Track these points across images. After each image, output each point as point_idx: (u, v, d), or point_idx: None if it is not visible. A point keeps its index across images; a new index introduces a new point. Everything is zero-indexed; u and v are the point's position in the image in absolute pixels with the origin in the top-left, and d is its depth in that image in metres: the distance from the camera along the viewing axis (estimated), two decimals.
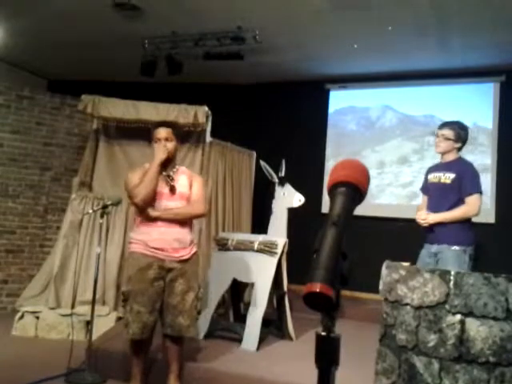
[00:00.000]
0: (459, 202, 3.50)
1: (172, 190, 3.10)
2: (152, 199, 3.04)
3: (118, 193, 4.54)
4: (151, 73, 5.88)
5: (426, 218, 3.50)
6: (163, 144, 3.10)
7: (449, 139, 3.58)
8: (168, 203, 3.07)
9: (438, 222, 3.52)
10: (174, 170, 3.19)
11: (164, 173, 3.11)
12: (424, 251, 3.68)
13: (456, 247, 3.45)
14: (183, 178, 3.19)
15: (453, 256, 3.45)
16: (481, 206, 3.51)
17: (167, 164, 3.12)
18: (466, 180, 3.50)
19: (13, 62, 6.66)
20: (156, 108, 4.94)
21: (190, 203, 3.15)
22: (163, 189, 3.08)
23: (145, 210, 3.04)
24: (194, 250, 3.19)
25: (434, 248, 3.53)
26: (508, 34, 4.90)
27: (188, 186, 3.18)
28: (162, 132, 3.14)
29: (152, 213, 3.03)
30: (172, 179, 3.12)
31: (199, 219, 4.62)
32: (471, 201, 3.48)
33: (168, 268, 3.05)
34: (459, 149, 3.63)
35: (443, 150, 3.63)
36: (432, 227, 3.61)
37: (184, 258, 3.09)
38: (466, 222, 3.50)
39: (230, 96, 6.75)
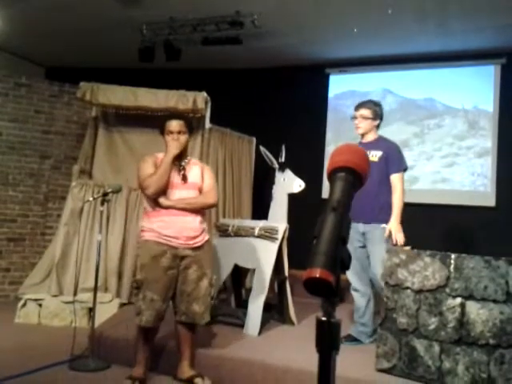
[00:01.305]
0: (386, 178, 3.58)
1: (184, 179, 3.12)
2: (163, 191, 3.06)
3: (118, 180, 4.55)
4: (149, 59, 5.84)
5: (399, 234, 3.48)
6: (176, 138, 3.11)
7: (367, 118, 3.68)
8: (180, 192, 3.10)
9: (366, 199, 3.46)
10: (186, 160, 3.22)
11: (176, 162, 3.14)
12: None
13: (384, 225, 3.55)
14: (195, 169, 3.23)
15: (381, 234, 3.54)
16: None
17: (180, 156, 3.15)
18: (393, 158, 3.60)
19: (9, 49, 6.61)
20: (155, 94, 4.92)
21: (202, 193, 3.18)
22: (175, 178, 3.11)
23: (157, 200, 3.06)
24: (207, 237, 3.21)
25: (361, 227, 3.57)
26: (508, 16, 4.85)
27: (200, 176, 3.21)
28: (175, 125, 3.14)
29: (165, 202, 3.05)
30: (184, 169, 3.16)
31: None
32: (398, 180, 3.59)
33: (181, 256, 3.07)
34: (377, 127, 3.74)
35: (364, 130, 3.71)
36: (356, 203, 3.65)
37: (197, 245, 3.12)
38: (390, 199, 3.59)
39: (229, 81, 6.71)
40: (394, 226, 3.48)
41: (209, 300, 3.16)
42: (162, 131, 3.18)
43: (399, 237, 3.45)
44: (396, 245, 3.44)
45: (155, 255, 3.02)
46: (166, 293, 3.03)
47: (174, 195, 3.08)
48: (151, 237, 3.06)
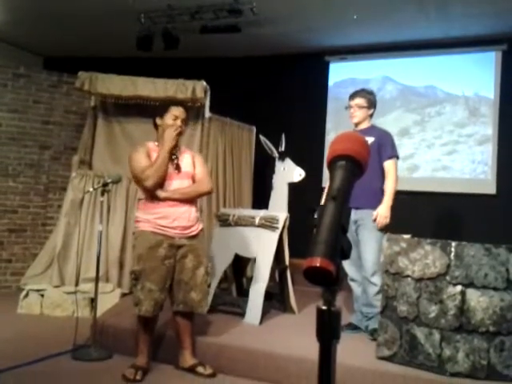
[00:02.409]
0: (378, 165, 3.58)
1: (178, 168, 3.13)
2: (162, 182, 3.06)
3: (118, 170, 4.53)
4: (148, 47, 5.80)
5: (385, 218, 3.50)
6: (180, 124, 3.13)
7: (363, 107, 3.69)
8: (175, 183, 3.11)
9: (358, 186, 3.52)
10: (178, 149, 3.22)
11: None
12: None
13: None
14: (187, 157, 3.24)
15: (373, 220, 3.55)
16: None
17: (173, 146, 3.14)
18: (386, 145, 3.62)
19: (7, 39, 6.56)
20: (154, 84, 4.89)
21: (196, 182, 3.19)
22: (170, 168, 3.11)
23: (153, 192, 3.06)
24: (201, 226, 3.25)
25: (353, 214, 3.52)
26: (509, 2, 4.81)
27: (191, 164, 3.23)
28: (182, 111, 3.18)
29: (162, 194, 3.06)
30: (177, 158, 3.16)
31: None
32: (392, 166, 3.60)
33: (178, 245, 3.09)
34: (371, 116, 3.76)
35: (360, 119, 3.72)
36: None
37: (192, 234, 3.14)
38: (382, 186, 3.61)
39: (229, 70, 6.67)
40: (382, 211, 3.50)
41: (206, 288, 3.19)
42: (162, 116, 3.16)
43: (384, 222, 3.49)
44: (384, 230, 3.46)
45: (152, 246, 3.03)
46: (164, 282, 3.05)
47: (170, 185, 3.09)
48: (147, 227, 3.07)
